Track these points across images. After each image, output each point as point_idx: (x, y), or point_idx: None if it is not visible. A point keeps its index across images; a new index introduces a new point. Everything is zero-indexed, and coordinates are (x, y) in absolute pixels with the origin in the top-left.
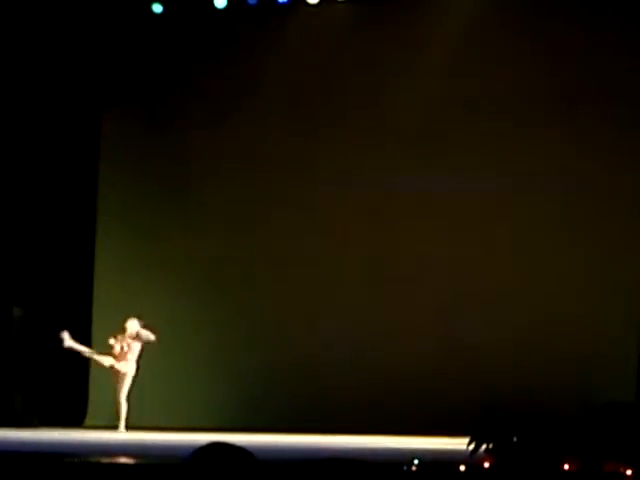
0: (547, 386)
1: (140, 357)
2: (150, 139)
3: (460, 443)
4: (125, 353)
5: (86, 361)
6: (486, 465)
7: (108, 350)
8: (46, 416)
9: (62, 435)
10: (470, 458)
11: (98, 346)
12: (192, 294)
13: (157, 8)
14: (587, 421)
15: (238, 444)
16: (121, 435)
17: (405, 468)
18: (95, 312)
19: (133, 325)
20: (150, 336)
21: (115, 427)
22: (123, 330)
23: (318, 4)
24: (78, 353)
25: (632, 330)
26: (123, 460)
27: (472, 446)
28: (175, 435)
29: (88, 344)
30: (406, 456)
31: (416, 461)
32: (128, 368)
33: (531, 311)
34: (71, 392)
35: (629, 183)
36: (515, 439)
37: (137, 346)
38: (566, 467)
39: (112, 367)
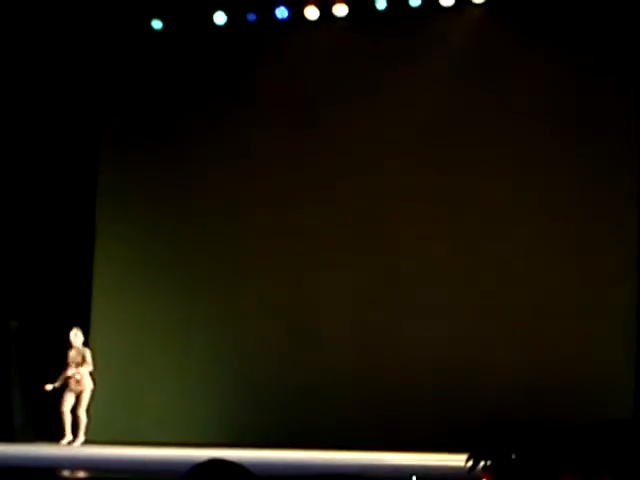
0: (546, 402)
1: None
2: (149, 154)
3: (458, 459)
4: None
5: None
6: None
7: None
8: (43, 430)
9: (58, 450)
10: (468, 475)
11: (94, 360)
12: (189, 308)
13: (157, 24)
14: (585, 438)
15: (236, 460)
16: (118, 451)
17: None
18: (92, 327)
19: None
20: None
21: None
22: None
23: (317, 21)
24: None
25: (630, 347)
26: (120, 476)
27: (470, 463)
28: (172, 451)
29: None
30: (404, 473)
31: (414, 477)
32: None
33: (531, 329)
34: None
35: (628, 195)
36: (514, 456)
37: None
38: None
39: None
